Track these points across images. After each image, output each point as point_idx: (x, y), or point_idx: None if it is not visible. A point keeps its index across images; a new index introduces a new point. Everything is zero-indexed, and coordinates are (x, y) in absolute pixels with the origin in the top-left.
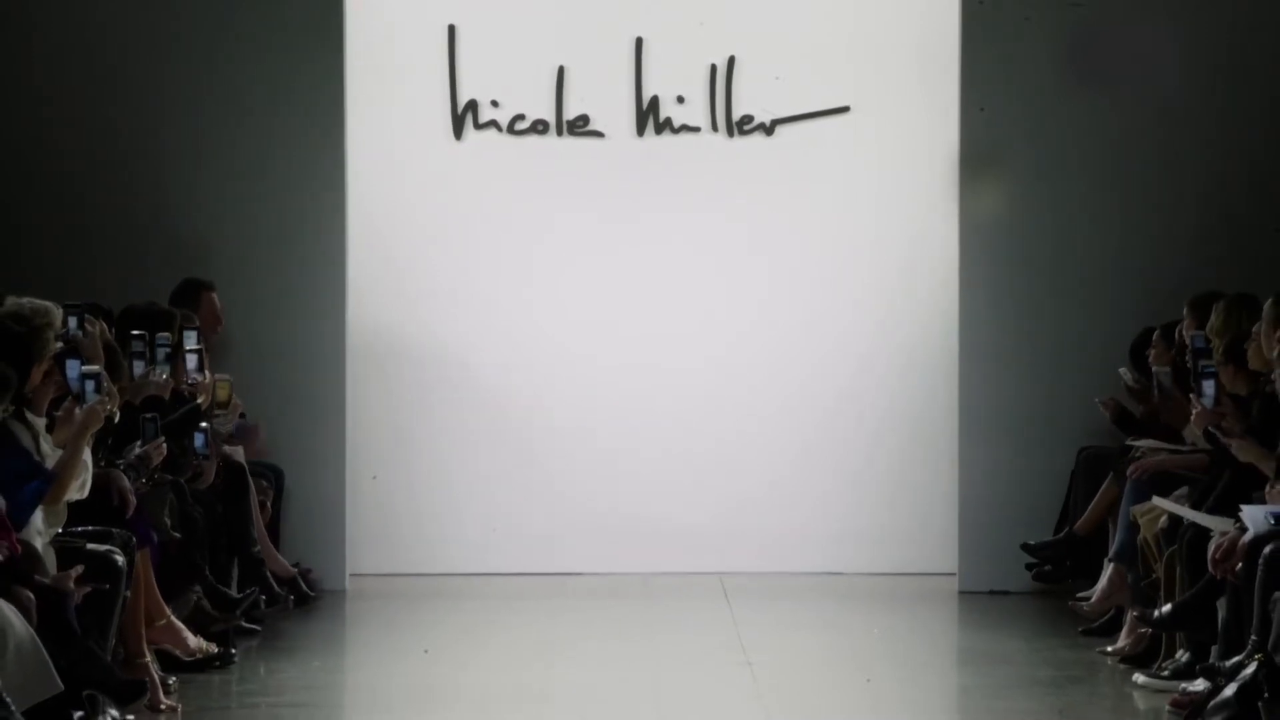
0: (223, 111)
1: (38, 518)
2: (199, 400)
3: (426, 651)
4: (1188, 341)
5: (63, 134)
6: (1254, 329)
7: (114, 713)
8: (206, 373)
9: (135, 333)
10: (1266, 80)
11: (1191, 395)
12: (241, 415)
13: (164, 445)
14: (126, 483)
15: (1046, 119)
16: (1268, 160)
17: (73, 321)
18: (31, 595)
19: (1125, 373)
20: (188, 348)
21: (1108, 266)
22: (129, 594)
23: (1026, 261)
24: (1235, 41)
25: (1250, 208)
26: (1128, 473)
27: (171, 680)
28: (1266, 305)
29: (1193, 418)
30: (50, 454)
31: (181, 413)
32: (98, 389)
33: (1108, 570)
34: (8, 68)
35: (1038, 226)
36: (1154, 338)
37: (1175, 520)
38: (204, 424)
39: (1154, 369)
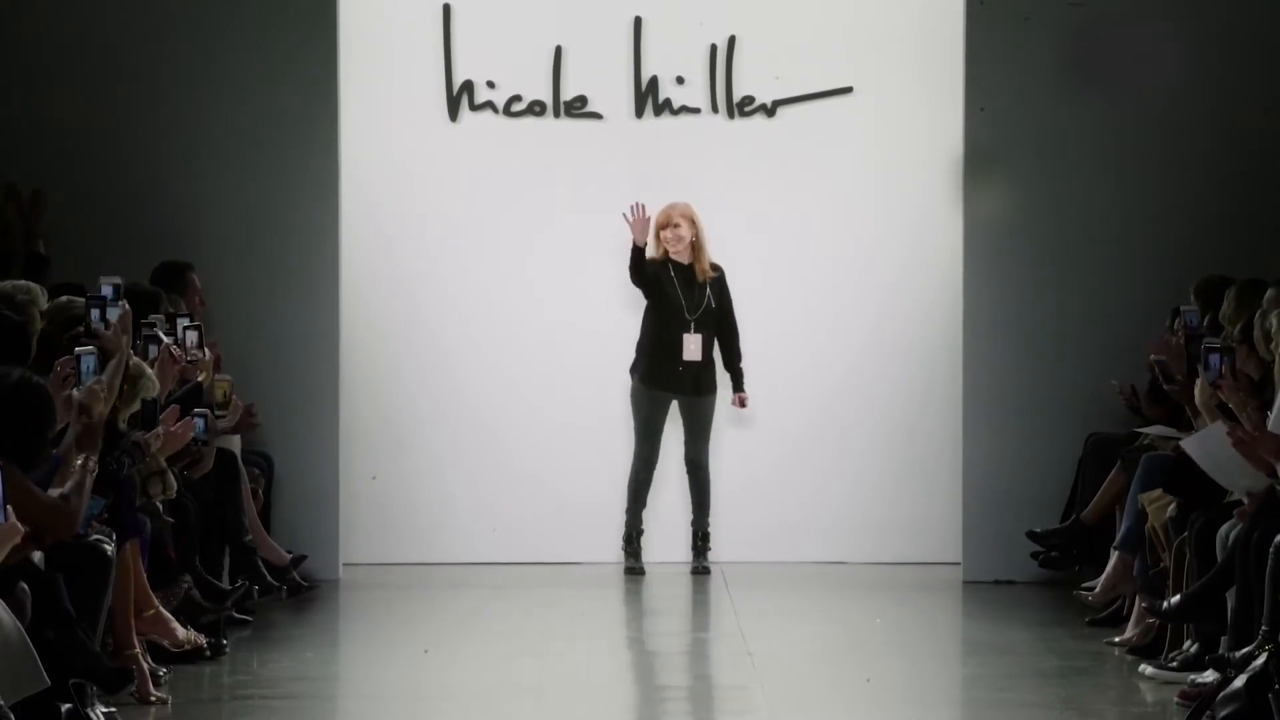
0: (216, 92)
1: None
2: (200, 377)
3: (427, 651)
4: (1188, 322)
5: (56, 114)
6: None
7: (104, 708)
8: (206, 350)
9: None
10: (1266, 80)
11: (1199, 368)
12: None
13: (160, 432)
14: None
15: (1047, 118)
16: (1267, 160)
17: (94, 314)
18: (26, 588)
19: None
20: (184, 326)
21: (1110, 254)
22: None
23: (1029, 250)
24: (1235, 41)
25: (1250, 207)
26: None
27: (162, 672)
28: (1256, 316)
29: (1196, 388)
30: None
31: (183, 392)
32: (95, 368)
33: (1113, 559)
34: (6, 46)
35: (1040, 219)
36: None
37: (1184, 509)
38: (203, 410)
39: (1152, 358)
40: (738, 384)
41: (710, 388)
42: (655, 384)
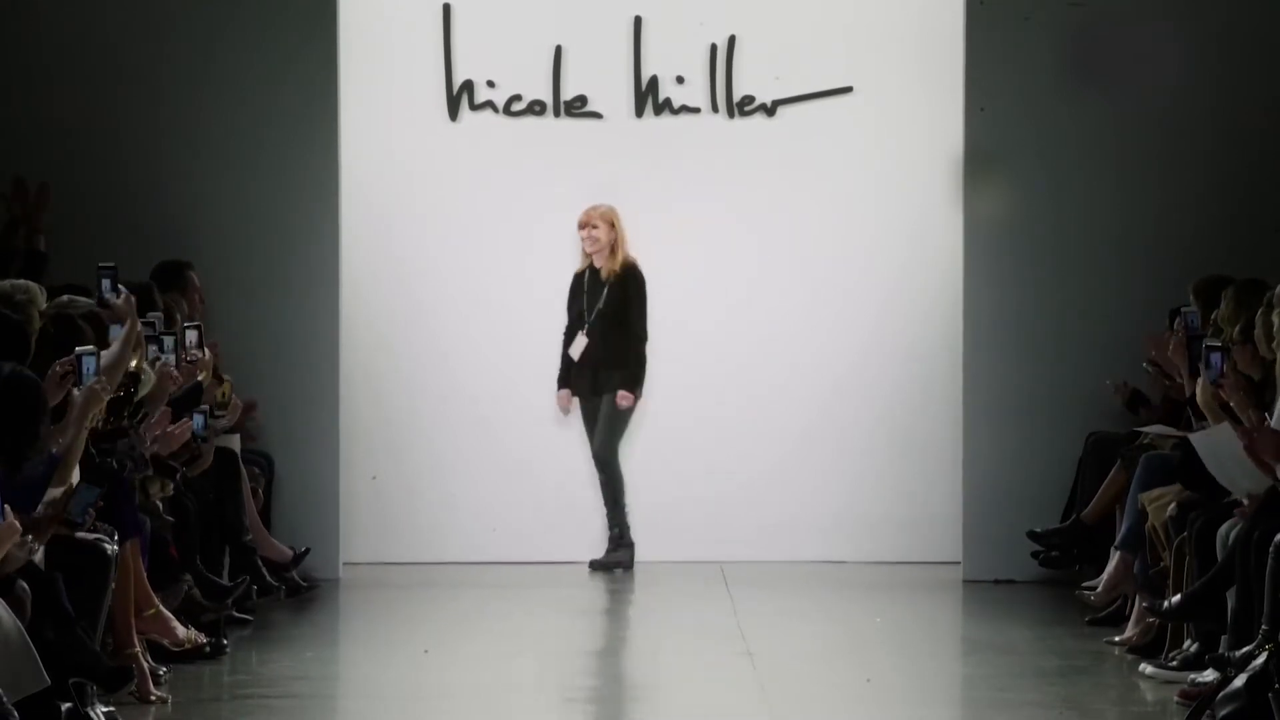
0: (216, 92)
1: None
2: (200, 377)
3: (427, 651)
4: (1188, 322)
5: (56, 114)
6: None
7: (104, 708)
8: (206, 350)
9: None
10: (1266, 80)
11: (1200, 367)
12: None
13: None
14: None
15: (1047, 118)
16: (1268, 160)
17: (105, 283)
18: (26, 587)
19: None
20: (185, 325)
21: (1110, 254)
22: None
23: (1029, 250)
24: (1235, 41)
25: (1250, 207)
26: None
27: (163, 671)
28: (1259, 314)
29: (1198, 388)
30: None
31: (183, 392)
32: (96, 368)
33: (1114, 559)
34: (6, 46)
35: (1040, 219)
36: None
37: (1184, 508)
38: (203, 406)
39: (1145, 365)
40: (625, 383)
41: (608, 386)
42: (568, 387)
